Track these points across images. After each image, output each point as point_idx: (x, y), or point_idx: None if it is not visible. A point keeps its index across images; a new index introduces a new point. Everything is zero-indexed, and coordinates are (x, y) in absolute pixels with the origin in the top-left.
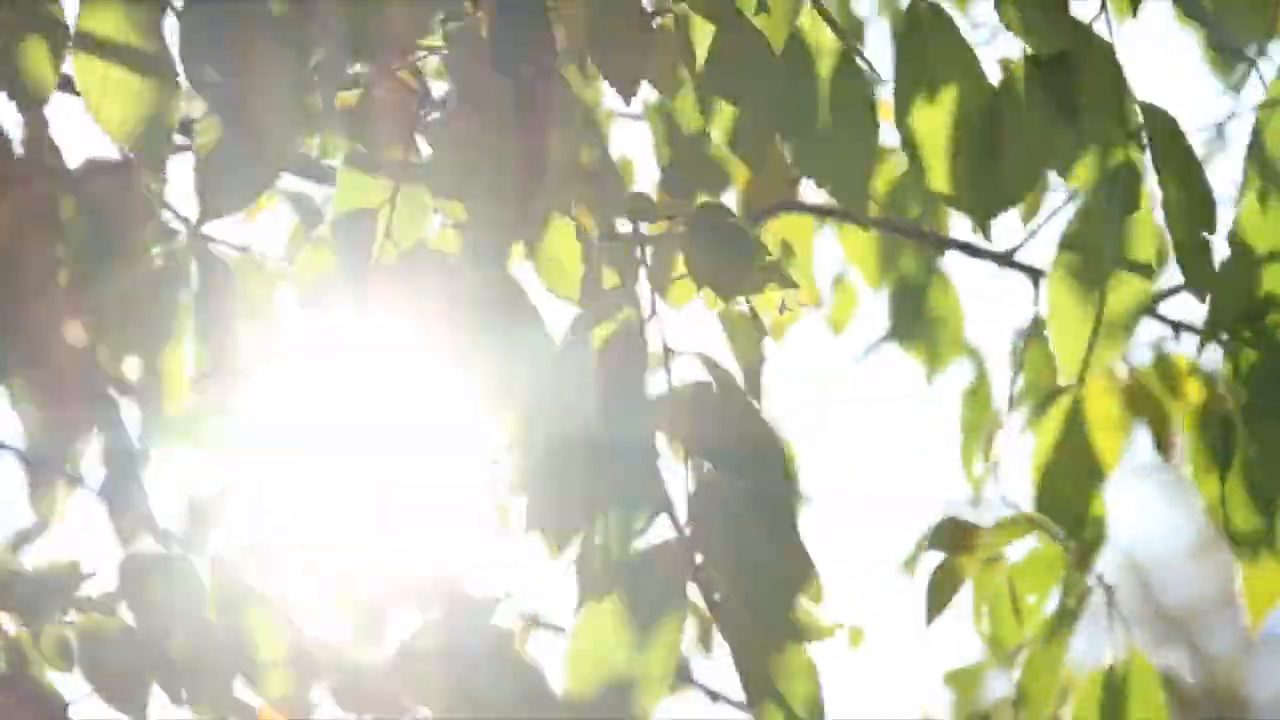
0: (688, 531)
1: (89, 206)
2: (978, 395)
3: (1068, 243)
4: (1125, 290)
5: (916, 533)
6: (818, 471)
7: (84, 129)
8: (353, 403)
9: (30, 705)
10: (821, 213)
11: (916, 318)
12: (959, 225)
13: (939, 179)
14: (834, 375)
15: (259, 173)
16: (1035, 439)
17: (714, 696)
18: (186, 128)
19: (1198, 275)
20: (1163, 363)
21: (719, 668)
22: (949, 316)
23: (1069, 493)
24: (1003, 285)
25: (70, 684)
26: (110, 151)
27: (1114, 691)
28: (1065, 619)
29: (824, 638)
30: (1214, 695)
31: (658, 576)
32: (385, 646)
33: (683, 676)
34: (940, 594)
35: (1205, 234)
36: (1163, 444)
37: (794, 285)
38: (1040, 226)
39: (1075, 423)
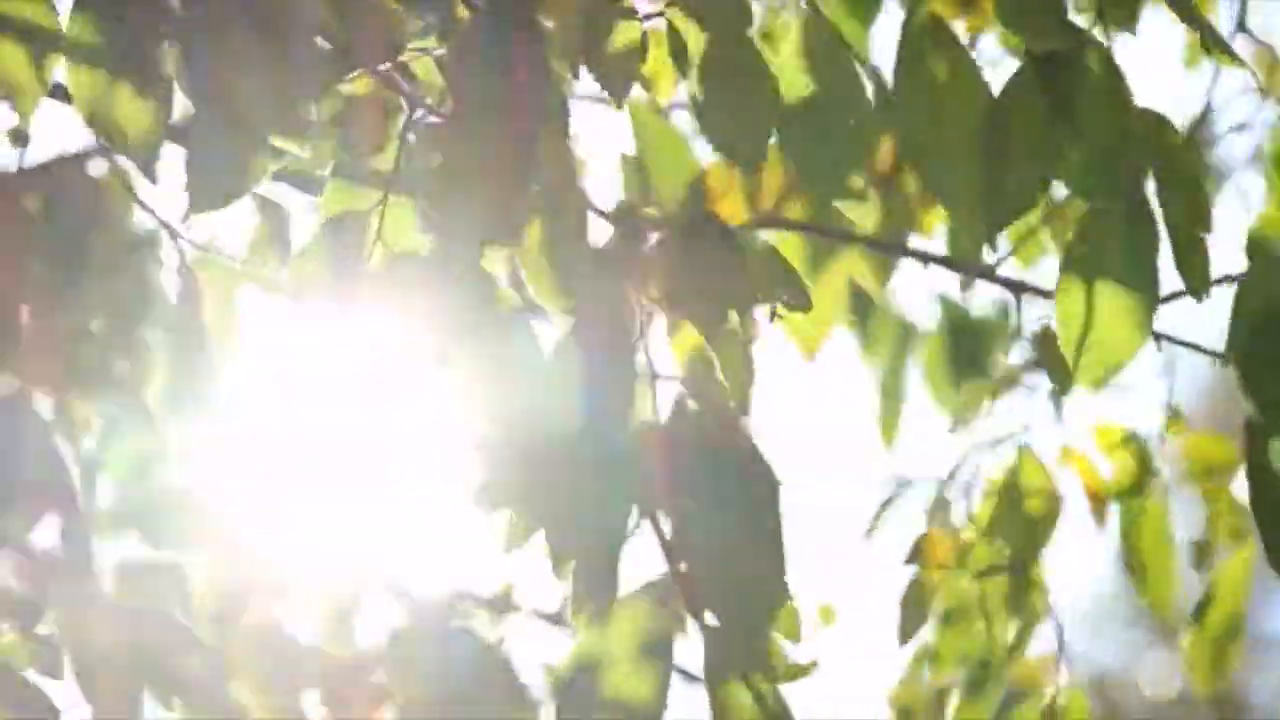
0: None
1: (59, 208)
2: (895, 379)
3: (1076, 253)
4: (1134, 301)
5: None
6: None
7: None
8: (330, 406)
9: (19, 712)
10: (803, 229)
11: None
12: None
13: (943, 191)
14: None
15: (247, 169)
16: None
17: (691, 678)
18: (175, 128)
19: (1198, 277)
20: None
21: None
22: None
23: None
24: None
25: (61, 691)
26: (76, 145)
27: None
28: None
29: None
30: (1212, 695)
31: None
32: (362, 647)
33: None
34: (914, 612)
35: (1202, 235)
36: (1097, 511)
37: (787, 294)
38: (1023, 240)
39: (1012, 497)
